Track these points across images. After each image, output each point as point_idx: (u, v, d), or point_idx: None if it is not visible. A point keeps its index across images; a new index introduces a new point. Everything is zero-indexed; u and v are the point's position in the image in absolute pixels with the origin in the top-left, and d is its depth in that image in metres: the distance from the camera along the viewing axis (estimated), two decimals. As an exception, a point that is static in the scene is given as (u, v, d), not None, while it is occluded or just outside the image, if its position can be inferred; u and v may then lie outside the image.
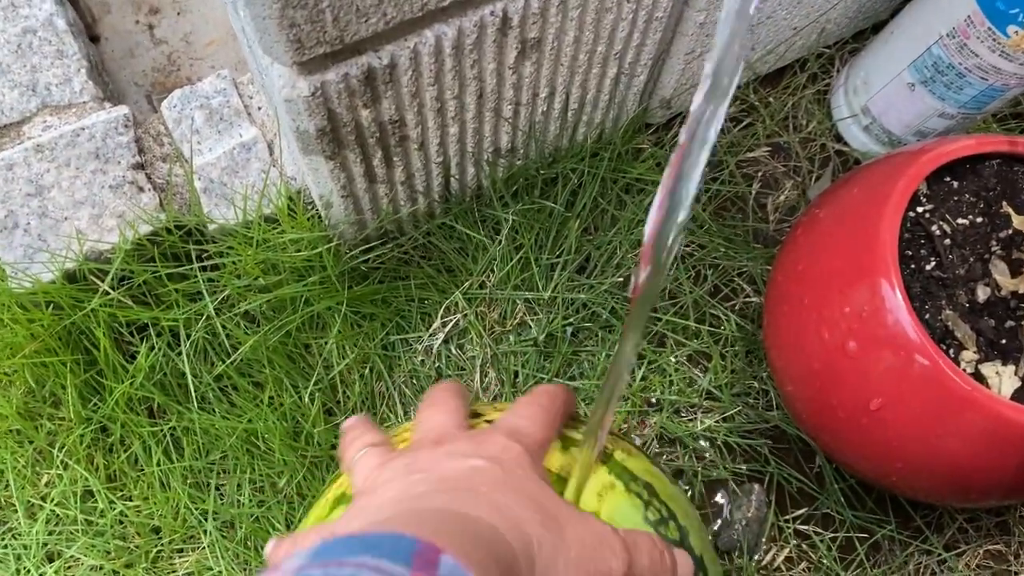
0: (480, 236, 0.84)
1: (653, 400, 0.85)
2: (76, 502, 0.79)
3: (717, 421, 0.84)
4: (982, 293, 0.68)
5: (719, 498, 0.84)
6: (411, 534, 0.27)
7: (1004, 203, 0.70)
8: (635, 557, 0.37)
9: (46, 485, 0.81)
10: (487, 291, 0.84)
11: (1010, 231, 0.69)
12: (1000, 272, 0.68)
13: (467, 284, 0.84)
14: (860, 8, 0.92)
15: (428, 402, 0.44)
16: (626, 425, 0.84)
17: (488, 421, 0.47)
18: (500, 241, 0.83)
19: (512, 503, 0.35)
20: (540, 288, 0.84)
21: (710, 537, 0.82)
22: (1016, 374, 0.65)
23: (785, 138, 0.96)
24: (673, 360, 0.86)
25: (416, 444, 0.41)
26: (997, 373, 0.65)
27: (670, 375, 0.85)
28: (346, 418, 0.48)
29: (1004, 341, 0.66)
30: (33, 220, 0.77)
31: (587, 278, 0.87)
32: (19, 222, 0.76)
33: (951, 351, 0.66)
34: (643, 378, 0.85)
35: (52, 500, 0.79)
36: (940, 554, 0.81)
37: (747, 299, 0.89)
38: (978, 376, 0.65)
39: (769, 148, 0.95)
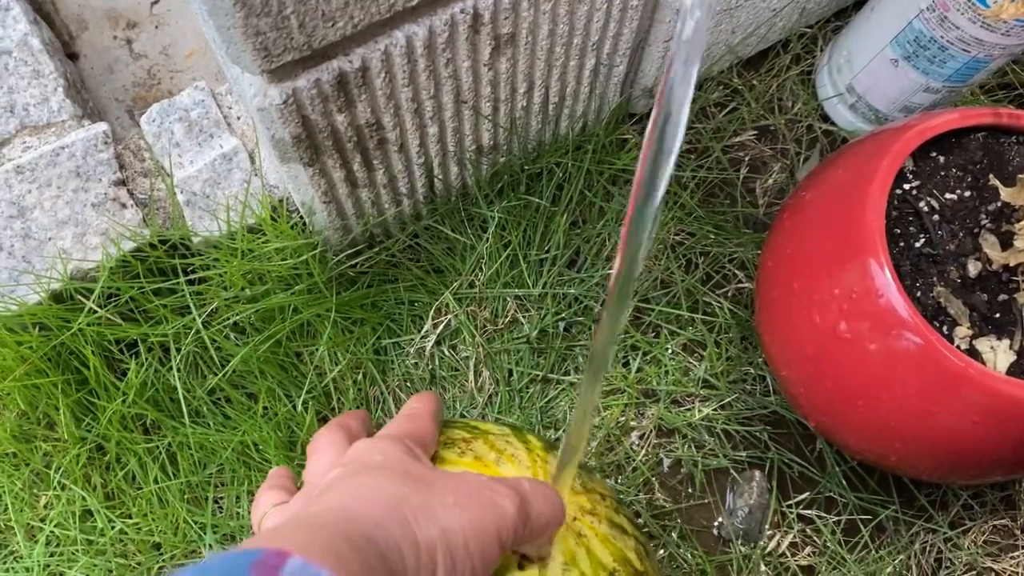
0: (467, 235, 0.84)
1: (650, 391, 0.85)
2: (75, 522, 0.79)
3: (715, 409, 0.84)
4: (973, 268, 0.67)
5: (720, 488, 0.83)
6: (256, 547, 0.27)
7: (991, 176, 0.69)
8: (527, 497, 0.37)
9: (45, 507, 0.80)
10: (477, 290, 0.84)
11: (999, 204, 0.69)
12: (991, 246, 0.68)
13: (456, 284, 0.84)
14: (840, -14, 0.91)
15: (316, 439, 0.45)
16: (623, 418, 0.84)
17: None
18: (487, 239, 0.83)
19: (371, 483, 0.36)
20: (530, 285, 0.84)
21: (715, 526, 0.82)
22: (1011, 348, 0.65)
23: (771, 121, 0.95)
24: (668, 350, 0.85)
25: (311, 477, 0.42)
26: (992, 348, 0.65)
27: (665, 365, 0.85)
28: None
29: (998, 315, 0.66)
30: (17, 242, 0.76)
31: (577, 272, 0.87)
32: (3, 244, 0.76)
33: (944, 328, 0.65)
34: (639, 369, 0.85)
35: (51, 521, 0.79)
36: (946, 532, 0.81)
37: (740, 285, 0.88)
38: (973, 352, 0.64)
39: (755, 132, 0.95)
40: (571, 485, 0.46)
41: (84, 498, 0.78)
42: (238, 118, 0.82)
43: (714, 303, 0.87)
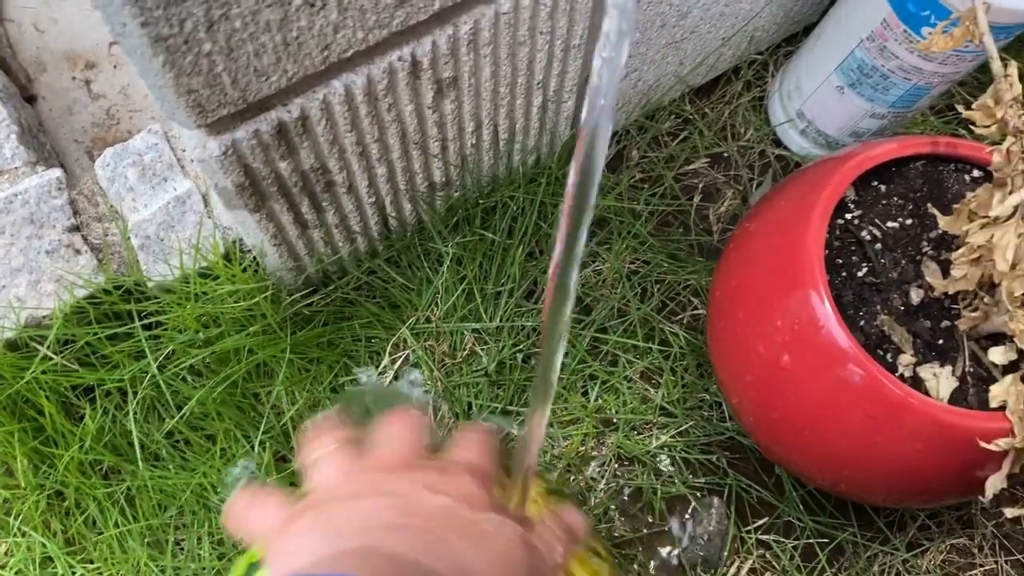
0: (423, 270, 0.84)
1: (609, 420, 0.85)
2: (36, 569, 0.78)
3: (673, 436, 0.84)
4: (916, 295, 0.68)
5: (678, 515, 0.84)
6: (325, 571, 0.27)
7: (930, 204, 0.70)
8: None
9: (5, 554, 0.80)
10: (434, 324, 0.84)
11: (939, 232, 0.70)
12: (932, 273, 0.69)
13: (413, 319, 0.84)
14: (787, 13, 0.93)
15: (392, 421, 0.42)
16: (583, 447, 0.84)
17: None
18: (443, 274, 0.83)
19: (473, 557, 0.35)
20: (487, 318, 0.84)
21: (675, 554, 0.83)
22: (953, 374, 0.66)
23: (724, 148, 0.96)
24: (626, 378, 0.86)
25: (379, 461, 0.39)
26: (935, 375, 0.66)
27: (623, 394, 0.85)
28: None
29: (941, 341, 0.67)
30: (-30, 291, 0.77)
31: (535, 303, 0.87)
32: (-44, 294, 0.76)
33: (888, 355, 0.66)
34: (597, 398, 0.85)
35: (12, 569, 0.79)
36: (903, 554, 0.81)
37: (695, 312, 0.89)
38: (916, 379, 0.65)
39: (708, 159, 0.96)
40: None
41: (44, 545, 0.78)
42: (191, 160, 0.83)
43: (669, 331, 0.87)
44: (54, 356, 0.75)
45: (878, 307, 0.68)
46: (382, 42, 0.59)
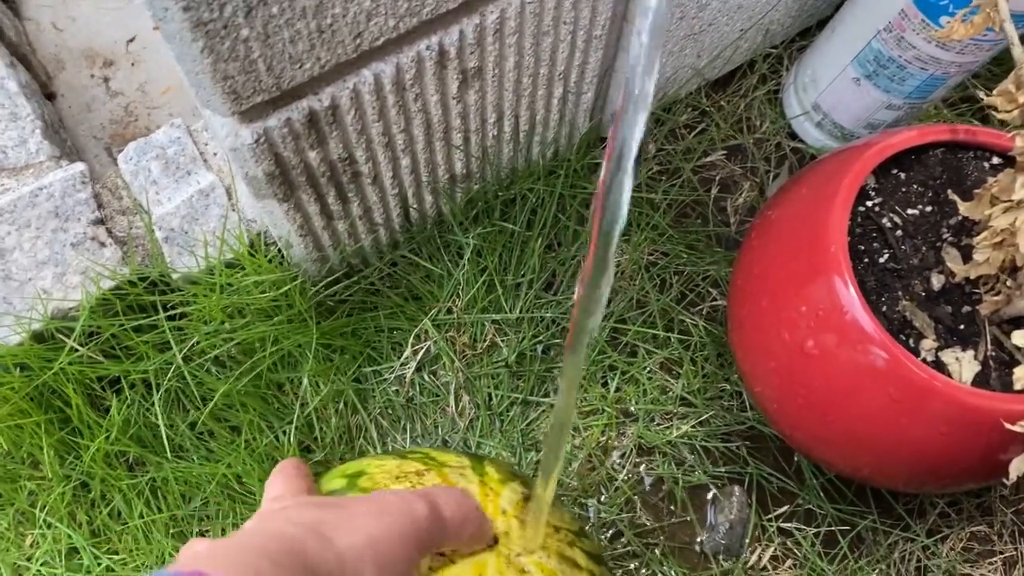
0: (443, 262, 0.85)
1: (629, 410, 0.86)
2: (62, 560, 0.79)
3: (693, 426, 0.85)
4: (937, 281, 0.69)
5: (700, 505, 0.84)
6: (176, 570, 0.29)
7: (950, 191, 0.71)
8: (437, 501, 0.39)
9: (31, 546, 0.81)
10: (455, 316, 0.85)
11: (959, 218, 0.70)
12: (952, 259, 0.69)
13: (435, 311, 0.85)
14: (802, 7, 0.93)
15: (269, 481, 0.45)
16: (604, 438, 0.85)
17: None
18: (464, 266, 0.84)
19: (291, 513, 0.37)
20: (507, 309, 0.85)
21: (697, 542, 0.83)
22: (975, 358, 0.66)
23: (740, 140, 0.97)
24: (646, 369, 0.87)
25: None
26: (957, 359, 0.66)
27: (643, 384, 0.86)
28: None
29: (962, 326, 0.67)
30: (-3, 284, 0.77)
31: (554, 295, 0.88)
32: (-17, 287, 0.77)
33: (910, 341, 0.66)
34: (617, 389, 0.86)
35: (38, 560, 0.79)
36: (923, 540, 0.82)
37: (713, 303, 0.90)
38: (938, 363, 0.66)
39: (725, 151, 0.96)
40: (537, 516, 0.47)
41: (70, 536, 0.79)
42: (214, 154, 0.84)
43: (689, 321, 0.88)
44: (80, 348, 0.76)
45: (899, 293, 0.68)
46: (412, 31, 0.60)
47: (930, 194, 0.72)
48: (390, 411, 0.85)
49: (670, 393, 0.86)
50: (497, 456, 0.83)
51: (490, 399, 0.85)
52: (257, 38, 0.51)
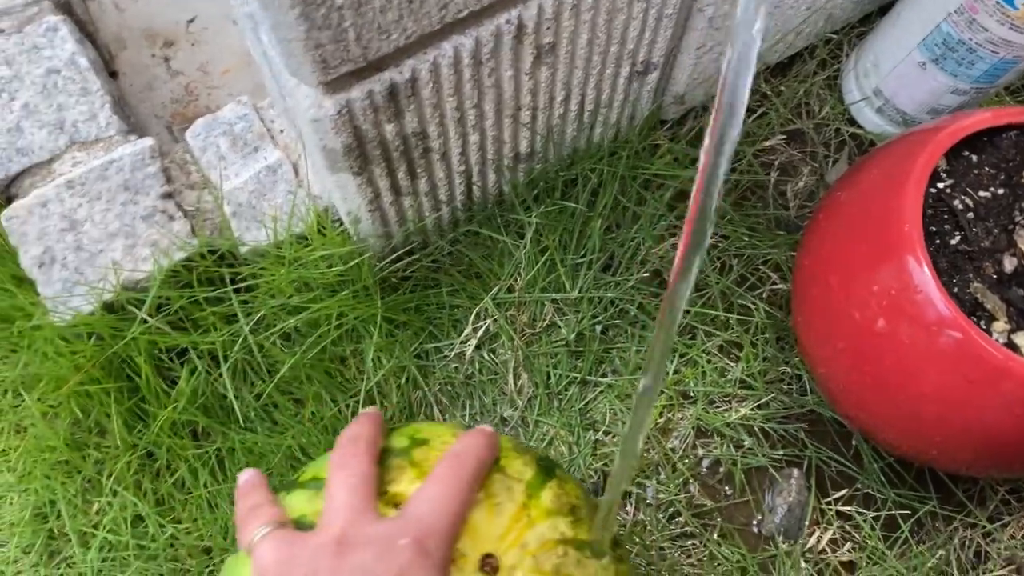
0: (504, 241, 0.85)
1: (688, 392, 0.86)
2: (127, 528, 0.80)
3: (752, 409, 0.85)
4: (1008, 264, 0.68)
5: (758, 487, 0.84)
6: None
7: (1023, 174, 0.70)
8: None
9: (97, 513, 0.82)
10: (515, 294, 0.85)
11: (1033, 201, 0.70)
12: (1025, 242, 0.69)
13: (495, 289, 0.86)
14: (866, -9, 0.93)
15: (336, 462, 0.44)
16: (662, 419, 0.85)
17: (304, 487, 0.47)
18: (525, 245, 0.84)
19: None
20: (567, 288, 0.85)
21: (755, 523, 0.83)
22: (1049, 341, 0.66)
23: (799, 125, 0.96)
24: (705, 351, 0.87)
25: (321, 534, 0.41)
26: (1030, 342, 0.66)
27: (702, 366, 0.86)
28: (240, 472, 0.47)
29: (1035, 310, 0.67)
30: (70, 254, 0.78)
31: (612, 275, 0.88)
32: (56, 257, 0.78)
33: (982, 323, 0.66)
34: (676, 371, 0.86)
35: (104, 528, 0.80)
36: (984, 526, 0.82)
37: (774, 286, 0.90)
38: (1011, 346, 0.65)
39: (784, 136, 0.96)
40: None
41: (135, 504, 0.80)
42: (281, 131, 0.84)
43: (749, 304, 0.88)
44: (149, 319, 0.77)
45: (971, 275, 0.68)
46: (494, 3, 0.60)
47: (1003, 176, 0.71)
48: (450, 387, 0.85)
49: (729, 376, 0.86)
50: (554, 437, 0.84)
51: (548, 378, 0.86)
52: (350, 6, 0.52)
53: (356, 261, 0.76)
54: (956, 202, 0.70)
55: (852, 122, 0.98)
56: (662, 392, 0.85)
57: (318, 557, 0.39)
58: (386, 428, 0.49)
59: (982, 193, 0.71)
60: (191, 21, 1.06)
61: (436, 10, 0.57)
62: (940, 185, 0.71)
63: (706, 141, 0.34)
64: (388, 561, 0.39)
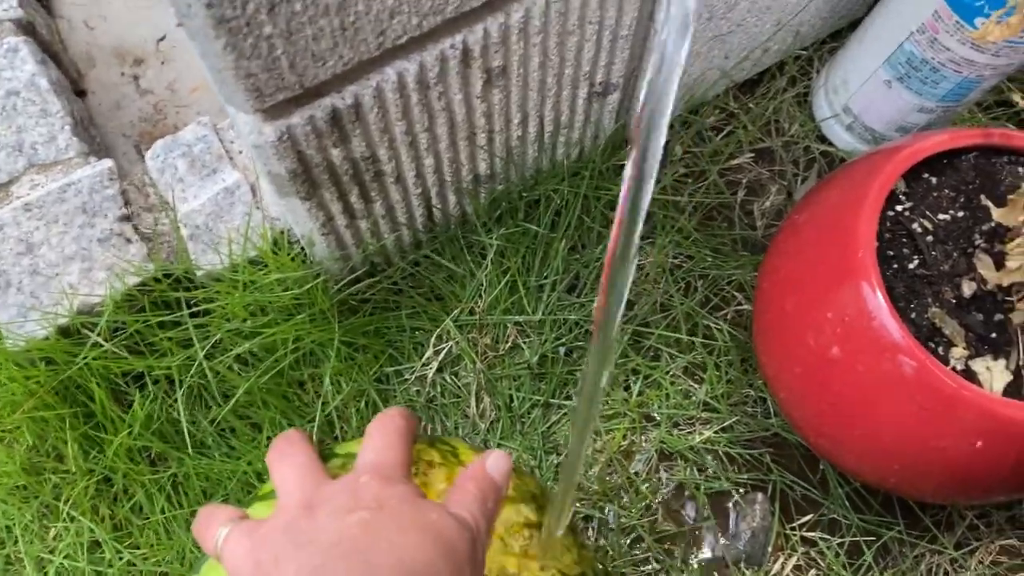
0: (466, 263, 0.84)
1: (652, 415, 0.85)
2: (84, 553, 0.80)
3: (716, 432, 0.84)
4: (968, 288, 0.67)
5: (722, 511, 0.83)
6: None
7: (983, 196, 0.69)
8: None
9: (54, 539, 0.82)
10: (477, 317, 0.85)
11: (992, 224, 0.69)
12: (985, 266, 0.68)
13: (457, 311, 0.85)
14: (833, 8, 0.92)
15: (275, 456, 0.43)
16: (625, 442, 0.84)
17: (340, 455, 0.47)
18: (487, 266, 0.84)
19: (409, 541, 0.36)
20: (530, 310, 0.85)
21: (719, 548, 0.82)
22: (1007, 368, 0.65)
23: (768, 143, 0.95)
24: (668, 373, 0.86)
25: (284, 510, 0.40)
26: (988, 368, 0.65)
27: (666, 389, 0.85)
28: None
29: (994, 335, 0.66)
30: (25, 278, 0.78)
31: (577, 297, 0.87)
32: (11, 281, 0.78)
33: (940, 348, 0.65)
34: (640, 393, 0.85)
35: (61, 553, 0.80)
36: (951, 553, 0.80)
37: (738, 307, 0.89)
38: (968, 372, 0.64)
39: (753, 154, 0.95)
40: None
41: (92, 529, 0.80)
42: (240, 152, 0.84)
43: (713, 326, 0.87)
44: (104, 343, 0.77)
45: (929, 299, 0.67)
46: (436, 29, 0.59)
47: (962, 199, 0.70)
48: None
49: (693, 398, 0.85)
50: (517, 459, 0.83)
51: (511, 401, 0.85)
52: (280, 35, 0.51)
53: (311, 284, 0.75)
54: (915, 225, 0.69)
55: (823, 139, 0.97)
56: (626, 415, 0.84)
57: (290, 529, 0.38)
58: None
59: (941, 216, 0.70)
60: (161, 39, 1.06)
61: (373, 37, 0.56)
62: (899, 208, 0.70)
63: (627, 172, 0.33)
64: (359, 497, 0.39)
